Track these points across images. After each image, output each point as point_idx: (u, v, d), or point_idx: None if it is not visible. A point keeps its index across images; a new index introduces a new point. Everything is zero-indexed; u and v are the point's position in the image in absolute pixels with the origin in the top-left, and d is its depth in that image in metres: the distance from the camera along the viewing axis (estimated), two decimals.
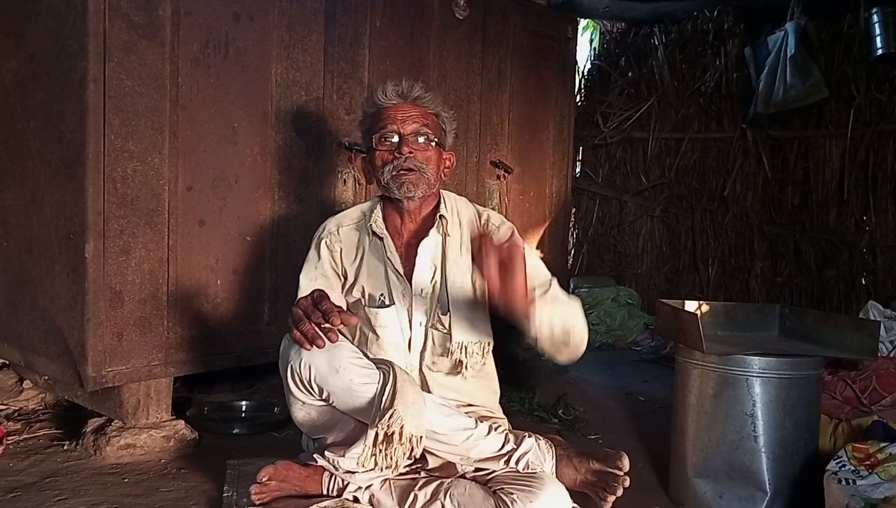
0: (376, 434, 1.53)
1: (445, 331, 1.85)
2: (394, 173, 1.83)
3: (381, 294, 1.88)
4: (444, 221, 1.90)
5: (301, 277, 1.91)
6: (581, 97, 5.65)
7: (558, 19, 3.91)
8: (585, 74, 5.73)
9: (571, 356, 1.79)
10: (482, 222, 1.97)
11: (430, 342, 1.87)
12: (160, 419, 2.39)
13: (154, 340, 2.29)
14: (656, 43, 5.36)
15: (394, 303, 1.87)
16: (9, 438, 2.37)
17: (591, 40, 5.92)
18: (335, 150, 2.74)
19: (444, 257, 1.89)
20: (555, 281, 1.87)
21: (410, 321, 1.87)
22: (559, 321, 1.70)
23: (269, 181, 2.55)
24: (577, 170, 5.61)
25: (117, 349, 2.20)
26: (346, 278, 1.94)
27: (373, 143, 1.88)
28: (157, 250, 2.27)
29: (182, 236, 2.33)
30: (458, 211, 1.95)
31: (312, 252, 1.96)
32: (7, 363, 2.74)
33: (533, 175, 3.74)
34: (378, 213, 1.93)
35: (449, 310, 1.85)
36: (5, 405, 2.65)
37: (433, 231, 1.89)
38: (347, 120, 2.77)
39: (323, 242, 1.95)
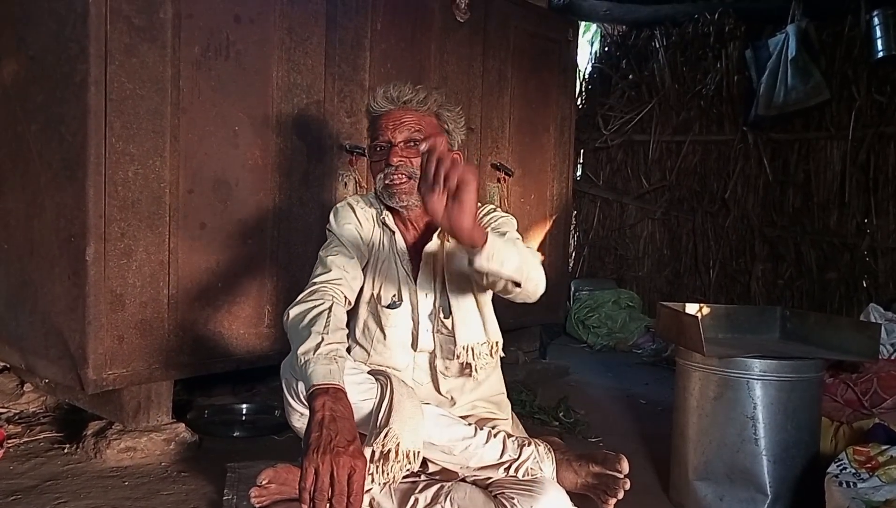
0: (373, 452, 1.52)
1: (449, 334, 1.84)
2: (386, 183, 1.78)
3: (394, 295, 1.85)
4: None
5: (321, 252, 1.83)
6: (582, 100, 5.66)
7: (559, 22, 3.92)
8: (586, 76, 5.74)
9: (525, 298, 1.65)
10: (480, 215, 1.90)
11: (438, 348, 1.86)
12: (161, 422, 2.39)
13: (155, 343, 2.29)
14: (657, 45, 5.37)
15: (402, 302, 1.85)
16: (9, 441, 2.37)
17: (592, 43, 5.93)
18: (336, 152, 2.74)
19: (444, 260, 1.86)
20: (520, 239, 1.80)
21: (416, 323, 1.86)
22: (515, 257, 1.53)
23: (270, 184, 2.55)
24: (578, 172, 5.62)
25: (118, 352, 2.20)
26: (365, 259, 1.88)
27: (369, 152, 1.85)
28: (157, 253, 2.27)
29: (183, 239, 2.33)
30: None
31: (339, 218, 1.88)
32: (8, 366, 2.74)
33: (534, 178, 3.74)
34: (386, 210, 1.89)
35: (451, 313, 1.84)
36: (6, 408, 2.65)
37: (436, 236, 1.87)
38: (348, 123, 2.77)
39: (357, 208, 1.88)
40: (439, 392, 1.88)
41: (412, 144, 1.78)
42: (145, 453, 2.29)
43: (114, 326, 2.18)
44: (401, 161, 1.77)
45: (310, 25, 2.62)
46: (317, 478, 1.30)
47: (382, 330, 1.85)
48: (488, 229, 1.50)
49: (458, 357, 1.83)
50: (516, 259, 1.53)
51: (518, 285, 1.57)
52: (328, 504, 1.31)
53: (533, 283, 1.60)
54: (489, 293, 1.88)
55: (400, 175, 1.77)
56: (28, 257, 2.37)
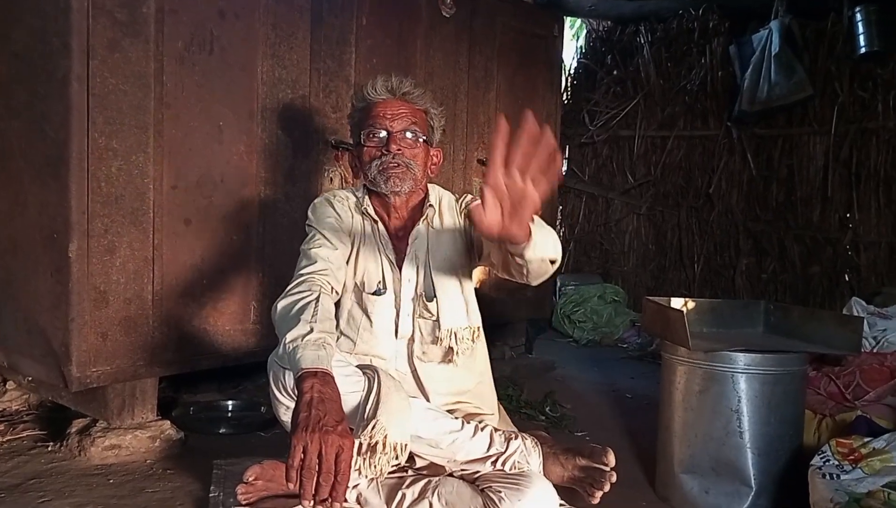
0: (360, 444, 1.52)
1: (433, 319, 1.86)
2: (380, 169, 1.82)
3: (379, 282, 1.88)
4: (431, 210, 1.91)
5: (303, 246, 1.84)
6: (567, 95, 5.67)
7: (545, 17, 3.92)
8: (572, 72, 5.75)
9: (546, 274, 1.60)
10: (459, 203, 1.98)
11: (417, 333, 1.87)
12: (145, 420, 2.37)
13: (139, 340, 2.27)
14: (642, 41, 5.38)
15: (386, 289, 1.87)
16: None
17: (577, 38, 5.94)
18: (322, 148, 2.73)
19: (428, 246, 1.90)
20: None
21: (398, 310, 1.88)
22: (552, 241, 1.53)
23: (256, 180, 2.54)
24: (564, 168, 5.63)
25: (102, 350, 2.19)
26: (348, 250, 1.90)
27: (361, 138, 1.87)
28: (142, 250, 2.25)
29: (167, 236, 2.31)
30: (440, 201, 1.96)
31: (317, 212, 1.90)
32: None
33: None
34: (368, 200, 1.93)
35: (435, 297, 1.86)
36: None
37: (421, 222, 1.90)
38: (334, 118, 2.76)
39: (334, 201, 1.92)
40: (418, 379, 1.88)
41: (407, 134, 1.84)
42: (130, 450, 2.27)
43: (97, 323, 2.17)
44: (399, 150, 1.82)
45: (295, 21, 2.61)
46: (305, 456, 1.31)
47: (368, 317, 1.86)
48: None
49: (441, 342, 1.85)
50: (552, 238, 1.52)
51: (554, 261, 1.55)
52: (315, 483, 1.31)
53: (560, 255, 1.58)
54: (472, 279, 1.93)
55: (395, 163, 1.81)
56: (10, 255, 2.35)
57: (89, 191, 2.11)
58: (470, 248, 1.93)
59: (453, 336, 1.86)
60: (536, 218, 1.42)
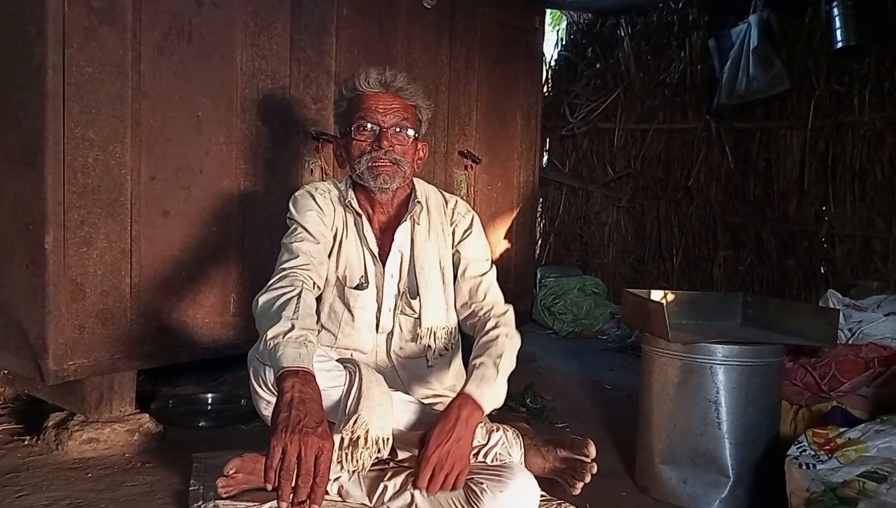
0: (342, 439, 1.52)
1: (415, 316, 1.86)
2: (370, 165, 1.81)
3: (361, 276, 1.87)
4: (419, 207, 1.91)
5: (284, 240, 1.83)
6: (548, 88, 5.67)
7: (525, 9, 3.92)
8: (552, 64, 5.75)
9: None
10: (449, 209, 1.98)
11: (398, 329, 1.88)
12: (124, 413, 2.35)
13: (117, 332, 2.25)
14: (622, 34, 5.39)
15: (369, 283, 1.87)
16: None
17: (558, 30, 5.94)
18: (302, 139, 2.72)
19: (413, 243, 1.89)
20: (493, 280, 1.94)
21: (380, 305, 1.87)
22: (502, 390, 1.69)
23: (235, 171, 2.52)
24: (544, 160, 5.64)
25: (79, 342, 2.16)
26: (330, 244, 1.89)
27: (350, 130, 1.84)
28: (119, 241, 2.23)
29: (145, 227, 2.29)
30: (427, 198, 1.96)
31: (298, 205, 1.87)
32: None
33: (500, 165, 3.75)
34: (352, 193, 1.91)
35: (418, 295, 1.86)
36: None
37: (407, 218, 1.89)
38: (314, 109, 2.74)
39: (316, 194, 1.90)
40: (397, 373, 1.88)
41: (398, 130, 1.82)
42: (108, 444, 2.25)
43: (74, 315, 2.14)
44: (391, 146, 1.80)
45: (275, 10, 2.58)
46: (284, 458, 1.31)
47: (350, 311, 1.86)
48: (472, 391, 1.63)
49: (420, 339, 1.86)
50: (502, 390, 1.68)
51: None
52: (293, 484, 1.31)
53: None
54: (452, 280, 1.94)
55: (385, 160, 1.80)
56: None
57: (65, 181, 2.08)
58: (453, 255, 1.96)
59: (432, 335, 1.87)
60: (491, 373, 1.66)
